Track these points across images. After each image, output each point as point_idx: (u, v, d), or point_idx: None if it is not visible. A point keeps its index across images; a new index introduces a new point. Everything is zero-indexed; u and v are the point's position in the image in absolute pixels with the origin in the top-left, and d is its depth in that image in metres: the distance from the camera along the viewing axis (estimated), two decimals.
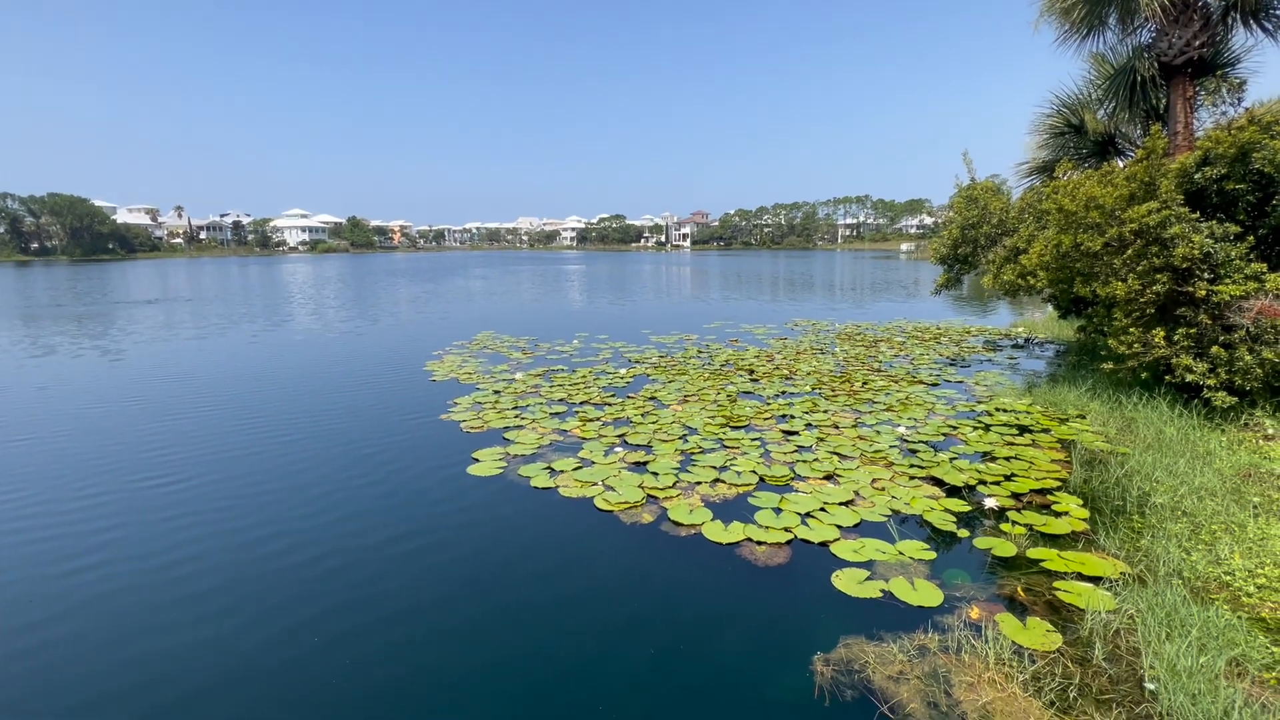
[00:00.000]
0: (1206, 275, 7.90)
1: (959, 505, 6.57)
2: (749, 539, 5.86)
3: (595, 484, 7.14)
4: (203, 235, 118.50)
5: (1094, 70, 12.82)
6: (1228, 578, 4.83)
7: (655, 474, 7.37)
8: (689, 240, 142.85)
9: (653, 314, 24.83)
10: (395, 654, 4.38)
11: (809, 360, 14.31)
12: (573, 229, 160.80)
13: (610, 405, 10.46)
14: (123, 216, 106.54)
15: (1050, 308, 18.15)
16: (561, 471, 7.53)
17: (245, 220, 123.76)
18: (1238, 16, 10.10)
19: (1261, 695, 3.62)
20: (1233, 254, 7.79)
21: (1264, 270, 7.68)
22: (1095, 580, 5.04)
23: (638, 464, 7.77)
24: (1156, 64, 10.36)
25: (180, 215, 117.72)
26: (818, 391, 11.39)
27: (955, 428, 9.21)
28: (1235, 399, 7.68)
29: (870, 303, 28.72)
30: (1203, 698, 3.54)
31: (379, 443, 8.92)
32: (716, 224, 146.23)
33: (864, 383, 12.04)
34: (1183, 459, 6.92)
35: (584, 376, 12.69)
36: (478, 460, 7.98)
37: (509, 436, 8.88)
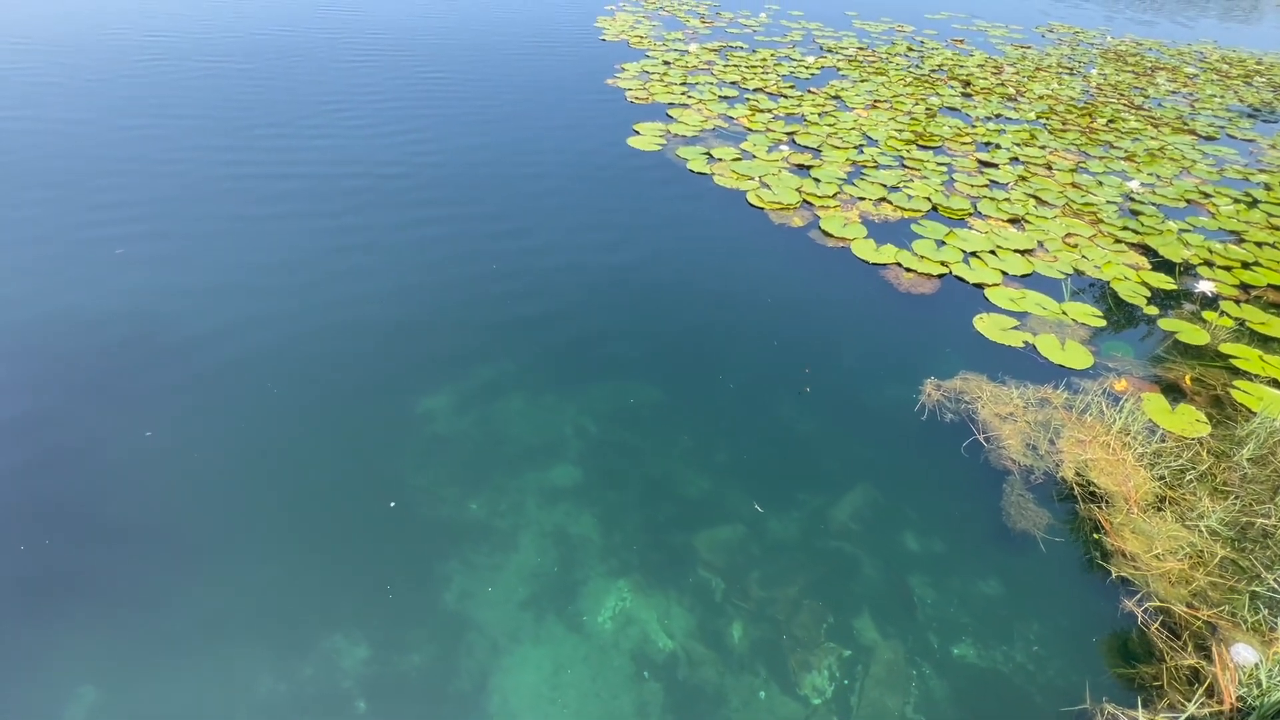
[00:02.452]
0: None
1: (1162, 281, 5.67)
2: (899, 264, 5.59)
3: (752, 178, 6.85)
4: None
5: None
6: None
7: (817, 180, 6.88)
8: None
9: None
10: (542, 287, 5.06)
11: (1047, 80, 11.41)
12: None
13: (786, 98, 9.34)
14: None
15: None
16: (720, 160, 7.23)
17: None
18: None
19: None
20: None
21: None
22: None
23: (801, 166, 7.23)
24: None
25: None
26: (1043, 122, 9.33)
27: (1208, 195, 7.42)
28: None
29: (1179, 11, 21.03)
30: None
31: (544, 99, 8.86)
32: None
33: (1110, 120, 9.60)
34: None
35: (764, 59, 11.16)
36: (638, 133, 7.80)
37: (673, 114, 8.43)
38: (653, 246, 5.76)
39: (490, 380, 4.15)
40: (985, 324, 4.92)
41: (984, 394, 4.21)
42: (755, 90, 9.59)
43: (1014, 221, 6.47)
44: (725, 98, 9.16)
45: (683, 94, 9.17)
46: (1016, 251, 5.90)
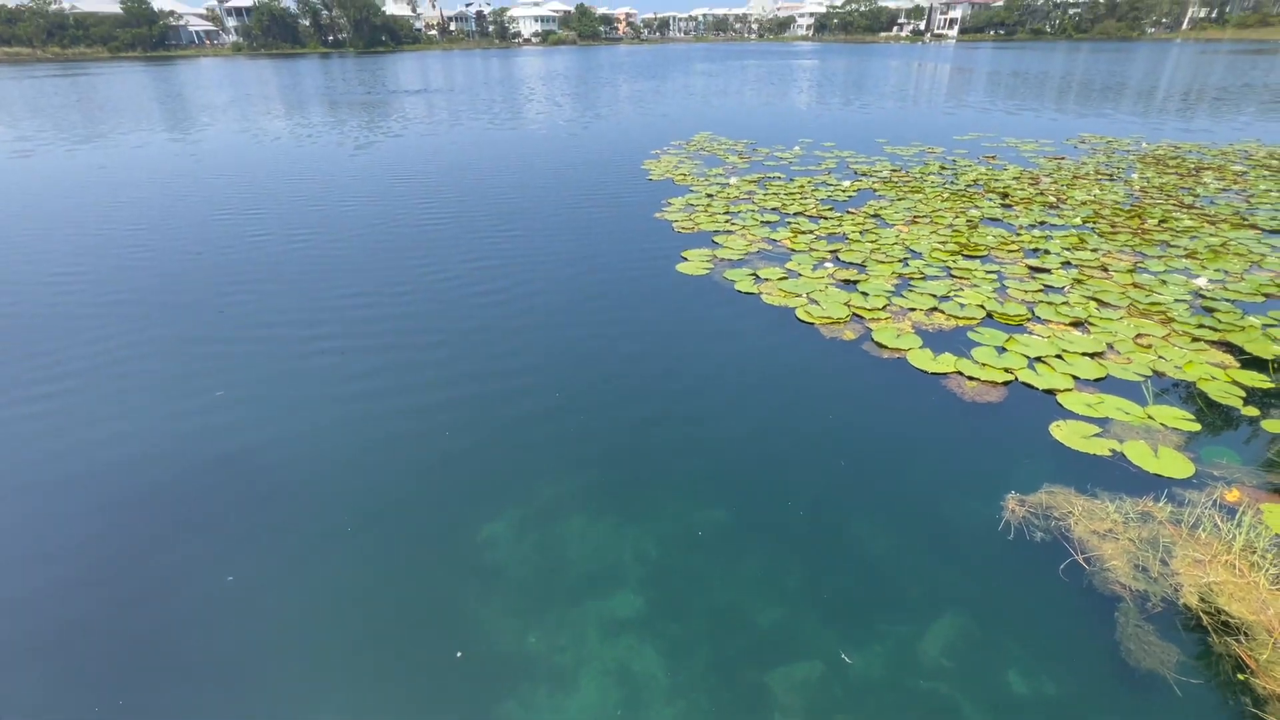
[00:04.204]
0: None
1: (1257, 380, 5.30)
2: (960, 372, 5.47)
3: (799, 295, 7.03)
4: (452, 26, 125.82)
5: None
6: None
7: (865, 294, 6.99)
8: (957, 27, 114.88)
9: (891, 121, 21.47)
10: (603, 413, 5.16)
11: (1088, 187, 11.57)
12: (810, 14, 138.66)
13: (826, 220, 9.79)
14: (390, 8, 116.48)
15: None
16: (766, 280, 7.50)
17: (486, 10, 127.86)
18: None
19: None
20: None
21: None
22: None
23: (847, 282, 7.40)
24: None
25: (434, 6, 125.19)
26: (1090, 226, 9.35)
27: None
28: None
29: (1206, 115, 21.40)
30: None
31: (598, 235, 9.60)
32: (1000, 4, 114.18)
33: (1162, 220, 9.54)
34: None
35: (801, 186, 11.85)
36: (686, 259, 8.24)
37: (718, 240, 8.92)
38: (706, 366, 5.86)
39: (551, 505, 4.15)
40: (1064, 432, 4.66)
41: (1075, 509, 3.89)
42: (795, 214, 10.11)
43: (1077, 324, 6.31)
44: (767, 223, 9.67)
45: (726, 222, 9.74)
46: (1085, 355, 5.69)
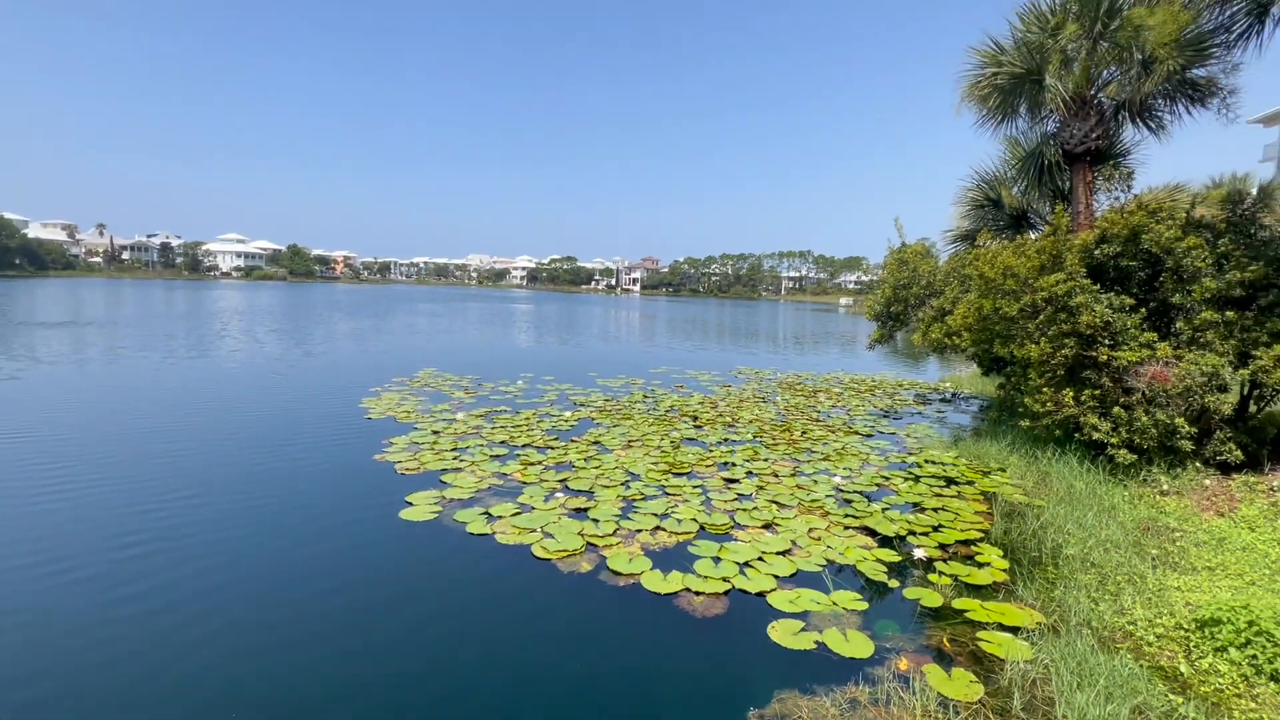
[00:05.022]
0: (1107, 342, 8.65)
1: (890, 555, 6.76)
2: (688, 589, 5.83)
3: (534, 530, 6.97)
4: (126, 255, 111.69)
5: (1008, 151, 14.10)
6: (1131, 627, 5.14)
7: (596, 520, 7.28)
8: (639, 285, 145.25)
9: (600, 357, 24.89)
10: (312, 710, 4.07)
11: (751, 408, 14.62)
12: (523, 268, 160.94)
13: (553, 449, 10.33)
14: (35, 231, 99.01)
15: (974, 365, 19.32)
16: (499, 517, 7.33)
17: (175, 242, 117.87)
18: (1126, 114, 11.43)
19: None
20: (1129, 324, 8.58)
21: (1155, 339, 8.49)
22: (1014, 630, 5.26)
23: (578, 510, 7.65)
24: (1060, 150, 11.52)
25: (102, 233, 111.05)
26: (759, 440, 11.62)
27: (888, 478, 9.55)
28: (1135, 456, 8.32)
29: (810, 353, 29.81)
30: None
31: (306, 484, 8.46)
32: (666, 270, 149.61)
33: (803, 432, 12.38)
34: (1090, 512, 7.40)
35: (527, 419, 12.51)
36: (411, 504, 7.67)
37: (446, 479, 8.60)
38: (441, 624, 5.19)
39: None
40: (779, 632, 5.16)
41: (803, 712, 4.18)
42: (524, 446, 10.47)
43: (767, 527, 7.43)
44: (497, 456, 9.77)
45: (455, 459, 9.55)
46: (778, 554, 6.64)
